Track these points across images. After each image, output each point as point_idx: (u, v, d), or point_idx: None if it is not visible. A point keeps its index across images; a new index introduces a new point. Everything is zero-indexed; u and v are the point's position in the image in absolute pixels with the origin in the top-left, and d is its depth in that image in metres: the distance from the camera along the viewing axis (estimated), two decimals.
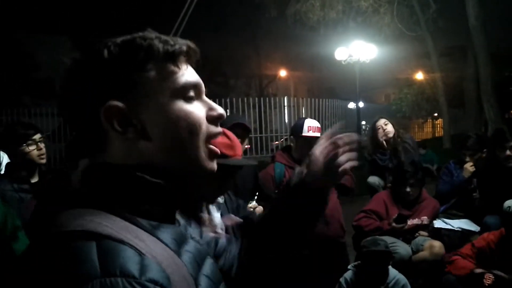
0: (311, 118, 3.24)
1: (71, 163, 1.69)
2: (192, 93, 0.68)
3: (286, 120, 12.83)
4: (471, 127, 14.85)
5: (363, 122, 14.67)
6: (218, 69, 21.20)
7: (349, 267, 2.84)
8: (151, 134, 0.65)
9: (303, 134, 2.75)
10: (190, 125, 0.66)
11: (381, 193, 3.54)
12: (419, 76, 20.40)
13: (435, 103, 17.61)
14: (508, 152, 3.19)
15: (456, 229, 3.37)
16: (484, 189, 3.46)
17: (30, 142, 2.34)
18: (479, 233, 3.23)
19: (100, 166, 0.66)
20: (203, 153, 0.68)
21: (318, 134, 2.77)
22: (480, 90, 13.29)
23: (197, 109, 0.68)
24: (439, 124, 22.62)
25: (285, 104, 13.14)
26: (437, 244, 3.17)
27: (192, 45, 0.70)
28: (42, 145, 2.47)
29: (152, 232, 0.62)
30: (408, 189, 3.28)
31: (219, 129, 0.72)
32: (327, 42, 13.84)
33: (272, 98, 12.36)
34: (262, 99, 11.66)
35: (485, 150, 3.60)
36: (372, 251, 2.65)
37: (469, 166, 3.55)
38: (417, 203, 3.39)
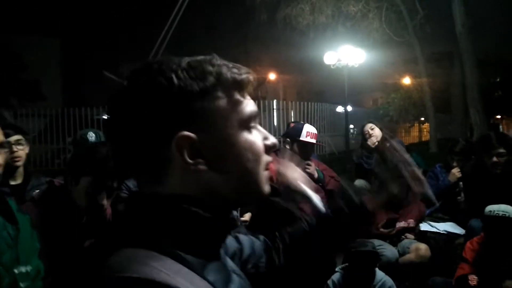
0: (300, 121, 3.27)
1: (72, 179, 1.69)
2: (253, 123, 0.67)
3: (275, 123, 12.85)
4: (457, 132, 15.07)
5: (351, 126, 14.76)
6: None
7: (336, 269, 2.86)
8: (219, 165, 0.62)
9: (301, 138, 2.77)
10: (254, 156, 0.65)
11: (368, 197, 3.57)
12: (407, 81, 20.63)
13: (422, 107, 17.81)
14: (495, 159, 3.24)
15: (441, 232, 3.42)
16: (470, 194, 3.51)
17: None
18: (464, 236, 3.28)
19: (162, 196, 0.61)
20: (264, 182, 0.67)
21: (314, 141, 2.80)
22: (466, 96, 13.50)
23: (258, 139, 0.67)
24: (425, 128, 22.87)
25: (274, 107, 13.16)
26: (423, 247, 3.21)
27: (253, 74, 0.68)
28: (19, 147, 2.43)
29: (202, 274, 0.59)
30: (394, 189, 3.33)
31: (271, 157, 0.71)
32: (317, 46, 13.91)
33: (261, 101, 12.35)
34: None
35: (473, 156, 3.66)
36: (360, 251, 2.68)
37: (456, 172, 3.60)
38: (403, 206, 3.44)
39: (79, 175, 1.69)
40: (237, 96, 0.65)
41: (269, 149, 0.69)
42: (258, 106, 12.62)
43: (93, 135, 2.86)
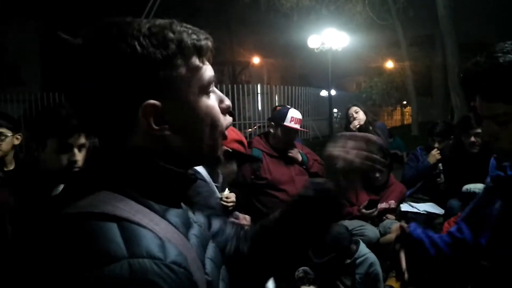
0: (284, 105, 3.29)
1: (38, 144, 1.65)
2: (211, 87, 0.70)
3: (260, 108, 12.85)
4: (438, 115, 15.31)
5: (335, 110, 14.86)
6: None
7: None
8: (181, 129, 0.66)
9: (285, 123, 2.79)
10: (213, 120, 0.69)
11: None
12: (389, 64, 20.78)
13: (404, 91, 18.02)
14: (473, 139, 3.31)
15: (421, 212, 3.50)
16: (449, 174, 3.60)
17: None
18: (444, 215, 3.38)
19: (126, 150, 0.64)
20: (219, 144, 0.72)
21: (298, 126, 2.82)
22: (447, 79, 13.69)
23: (215, 104, 0.70)
24: (407, 112, 23.17)
25: (259, 91, 13.14)
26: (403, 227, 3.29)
27: (211, 40, 0.70)
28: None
29: (163, 215, 0.63)
30: (377, 174, 3.41)
31: (230, 119, 0.74)
32: (300, 29, 13.86)
33: (245, 85, 12.29)
34: (235, 86, 11.54)
35: (452, 137, 3.74)
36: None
37: (435, 153, 3.67)
38: (385, 187, 3.52)
39: (44, 138, 1.64)
40: (197, 63, 0.66)
41: (224, 111, 0.72)
42: (242, 90, 12.51)
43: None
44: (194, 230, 0.71)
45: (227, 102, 0.73)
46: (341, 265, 2.77)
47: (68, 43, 0.63)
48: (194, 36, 0.66)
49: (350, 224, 3.23)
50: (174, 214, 0.66)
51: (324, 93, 15.67)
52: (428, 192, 3.74)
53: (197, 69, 0.67)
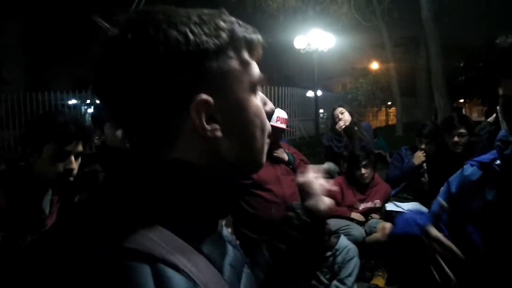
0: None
1: (34, 150, 1.62)
2: (259, 87, 0.61)
3: None
4: (422, 116, 15.54)
5: (321, 110, 14.95)
6: None
7: None
8: (230, 131, 0.57)
9: (271, 123, 2.78)
10: (262, 122, 0.61)
11: (337, 178, 3.68)
12: (374, 66, 21.02)
13: (389, 92, 18.23)
14: (456, 139, 3.37)
15: (406, 211, 3.54)
16: (433, 174, 3.65)
17: None
18: None
19: (166, 163, 0.55)
20: (265, 150, 0.64)
21: (284, 126, 2.83)
22: (431, 80, 13.90)
23: (261, 105, 0.62)
24: (392, 112, 23.46)
25: None
26: (388, 226, 3.33)
27: (261, 36, 0.62)
28: None
29: (200, 248, 0.55)
30: (362, 171, 3.46)
31: (269, 125, 0.65)
32: (287, 30, 13.92)
33: None
34: None
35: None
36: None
37: (420, 154, 3.72)
38: (370, 187, 3.56)
39: (40, 144, 1.59)
40: (248, 57, 0.59)
41: (268, 115, 0.64)
42: None
43: None
44: (229, 258, 0.62)
45: (271, 105, 0.64)
46: (321, 258, 2.80)
47: (104, 33, 0.54)
48: (245, 29, 0.59)
49: (336, 223, 3.26)
50: (210, 242, 0.58)
51: (310, 93, 15.76)
52: (412, 191, 3.79)
53: (248, 64, 0.59)
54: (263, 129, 0.61)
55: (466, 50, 21.59)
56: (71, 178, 1.65)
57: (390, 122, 23.03)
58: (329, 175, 3.96)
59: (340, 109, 4.05)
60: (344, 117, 4.00)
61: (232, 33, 0.56)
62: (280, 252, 0.86)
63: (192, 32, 0.53)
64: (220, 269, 0.57)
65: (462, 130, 3.36)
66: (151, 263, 0.47)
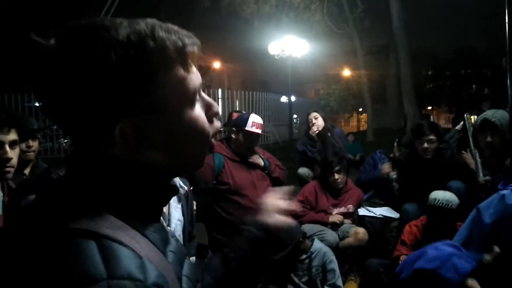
0: (245, 111, 3.29)
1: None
2: (198, 95, 0.63)
3: (220, 113, 12.82)
4: (392, 122, 15.95)
5: (295, 116, 15.08)
6: None
7: None
8: (160, 145, 0.60)
9: (246, 128, 2.77)
10: (198, 132, 0.63)
11: (311, 183, 3.71)
12: (346, 72, 21.40)
13: (360, 98, 18.60)
14: (426, 145, 3.46)
15: (378, 216, 3.61)
16: (404, 180, 3.74)
17: None
18: (399, 219, 3.50)
19: (104, 159, 0.59)
20: (203, 155, 0.67)
21: (259, 131, 2.82)
22: (400, 88, 14.28)
23: (201, 113, 0.64)
24: (363, 118, 23.92)
25: (219, 96, 13.10)
26: (361, 231, 3.38)
27: (199, 42, 0.63)
28: None
29: (143, 232, 0.60)
30: (336, 176, 3.50)
31: (218, 125, 0.68)
32: (261, 35, 14.00)
33: (205, 90, 12.22)
34: None
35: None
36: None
37: (386, 167, 3.80)
38: (343, 192, 3.61)
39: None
40: (181, 73, 0.59)
41: (211, 118, 0.66)
42: None
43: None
44: (172, 246, 0.68)
45: (215, 108, 0.66)
46: (297, 261, 2.81)
47: (40, 46, 0.55)
48: (179, 43, 0.59)
49: (311, 229, 3.28)
50: (153, 229, 0.62)
51: (284, 99, 15.88)
52: (383, 197, 3.87)
53: (181, 80, 0.59)
54: (198, 137, 0.63)
55: (434, 59, 22.33)
56: (9, 169, 1.59)
57: (361, 128, 23.46)
58: (302, 181, 4.01)
59: (314, 114, 4.10)
60: (318, 122, 4.05)
61: (162, 52, 0.57)
62: (231, 263, 0.89)
63: (117, 55, 0.54)
64: (163, 253, 0.62)
65: (432, 137, 3.46)
66: (97, 239, 0.52)
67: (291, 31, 12.56)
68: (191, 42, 0.61)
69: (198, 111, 0.63)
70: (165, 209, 1.60)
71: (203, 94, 0.65)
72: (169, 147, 0.61)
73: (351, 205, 3.61)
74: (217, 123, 0.68)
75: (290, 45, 11.90)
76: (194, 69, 0.63)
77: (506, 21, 2.19)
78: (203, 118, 0.64)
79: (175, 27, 0.60)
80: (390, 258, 3.04)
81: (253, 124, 2.80)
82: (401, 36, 13.20)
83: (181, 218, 1.72)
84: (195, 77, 0.62)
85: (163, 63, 0.57)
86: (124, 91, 0.55)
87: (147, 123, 0.57)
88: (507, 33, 2.20)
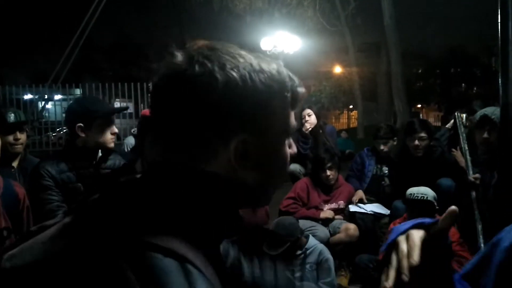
0: None
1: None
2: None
3: None
4: (382, 119, 16.04)
5: None
6: (140, 52, 20.39)
7: None
8: (259, 167, 0.64)
9: None
10: (284, 164, 0.69)
11: (303, 179, 3.73)
12: (338, 70, 21.48)
13: (351, 96, 18.71)
14: (416, 142, 3.50)
15: (368, 212, 3.64)
16: (395, 177, 3.77)
17: None
18: (389, 215, 3.53)
19: (208, 176, 0.60)
20: (278, 186, 0.72)
21: None
22: (391, 85, 14.36)
23: (288, 148, 0.70)
24: (354, 115, 24.08)
25: None
26: (352, 227, 3.41)
27: (303, 87, 0.70)
28: None
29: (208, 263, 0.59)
30: (328, 173, 3.52)
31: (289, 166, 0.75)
32: (253, 31, 13.97)
33: None
34: None
35: (395, 138, 3.94)
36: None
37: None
38: (334, 188, 3.63)
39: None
40: (290, 108, 0.67)
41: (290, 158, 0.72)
42: None
43: (12, 114, 2.64)
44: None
45: (294, 149, 0.72)
46: (292, 257, 2.84)
47: (169, 62, 0.61)
48: (294, 82, 0.66)
49: (302, 224, 3.30)
50: (212, 255, 0.62)
51: None
52: (373, 193, 3.90)
53: (289, 114, 0.67)
54: (283, 168, 0.69)
55: (424, 57, 22.52)
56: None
57: (351, 125, 23.60)
58: (294, 177, 4.02)
59: (308, 111, 4.11)
60: (311, 120, 4.06)
61: (282, 85, 0.64)
62: None
63: (251, 78, 0.60)
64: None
65: (423, 134, 3.50)
66: (180, 261, 0.51)
67: (283, 27, 12.55)
68: (301, 85, 0.68)
69: (287, 145, 0.69)
70: None
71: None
72: (263, 171, 0.65)
73: (342, 201, 3.63)
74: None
75: (282, 41, 11.88)
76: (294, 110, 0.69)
77: (499, 21, 2.22)
78: (288, 153, 0.69)
79: (290, 72, 0.67)
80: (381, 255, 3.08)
81: None
82: (392, 34, 13.26)
83: None
84: (293, 117, 0.69)
85: (280, 94, 0.64)
86: (245, 111, 0.60)
87: (254, 143, 0.62)
88: (499, 33, 2.22)
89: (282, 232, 2.74)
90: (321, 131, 4.14)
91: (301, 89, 0.68)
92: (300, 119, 4.14)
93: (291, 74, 0.67)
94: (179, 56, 0.61)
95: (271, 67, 0.64)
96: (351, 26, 15.63)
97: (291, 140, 0.71)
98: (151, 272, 0.48)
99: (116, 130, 2.17)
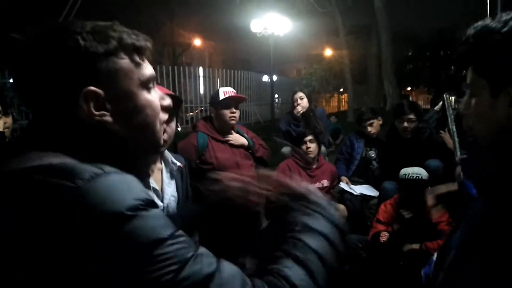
0: None
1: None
2: (151, 84, 0.77)
3: (202, 91, 12.67)
4: (372, 102, 16.11)
5: (276, 95, 15.07)
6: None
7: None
8: (121, 118, 0.72)
9: (220, 99, 2.76)
10: (152, 112, 0.76)
11: (284, 162, 3.68)
12: (328, 52, 21.40)
13: (342, 79, 18.69)
14: (405, 124, 3.53)
15: (357, 194, 3.70)
16: (384, 158, 3.82)
17: None
18: (378, 197, 3.59)
19: (75, 122, 0.70)
20: (160, 134, 0.79)
21: (233, 94, 2.82)
22: (381, 68, 14.40)
23: (156, 99, 0.78)
24: (344, 98, 24.10)
25: (200, 74, 12.93)
26: (340, 208, 3.46)
27: (151, 42, 0.77)
28: None
29: None
30: (308, 145, 3.50)
31: (165, 116, 0.81)
32: (243, 13, 13.81)
33: (186, 68, 12.00)
34: (175, 68, 11.23)
35: (379, 117, 3.98)
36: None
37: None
38: (316, 168, 3.62)
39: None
40: (137, 59, 0.74)
41: (165, 109, 0.80)
42: (183, 72, 12.09)
43: None
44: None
45: (168, 101, 0.80)
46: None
47: (18, 41, 0.69)
48: (134, 36, 0.74)
49: None
50: None
51: (265, 78, 15.83)
52: (362, 176, 3.94)
53: (137, 64, 0.74)
54: (154, 117, 0.77)
55: (414, 40, 22.51)
56: None
57: (342, 108, 23.66)
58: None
59: (300, 94, 4.10)
60: (303, 103, 4.06)
61: (120, 40, 0.72)
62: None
63: (83, 39, 0.69)
64: None
65: (412, 116, 3.53)
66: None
67: (274, 9, 12.40)
68: (145, 39, 0.76)
69: (153, 96, 0.77)
70: (157, 185, 1.60)
71: (157, 88, 0.79)
72: (127, 121, 0.73)
73: (325, 180, 3.64)
74: (165, 115, 0.81)
75: (273, 23, 11.77)
76: (146, 62, 0.77)
77: (487, 3, 2.23)
78: (158, 103, 0.78)
79: (131, 29, 0.76)
80: (370, 235, 3.14)
81: (225, 93, 2.80)
82: (383, 16, 13.23)
83: (175, 194, 1.71)
84: (149, 68, 0.77)
85: (121, 47, 0.72)
86: (88, 67, 0.69)
87: (108, 96, 0.70)
88: (488, 16, 2.23)
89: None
90: (312, 114, 4.15)
91: (144, 43, 0.75)
92: (292, 102, 4.15)
93: (129, 30, 0.75)
94: (29, 33, 0.70)
95: (105, 27, 0.72)
96: (342, 8, 15.51)
97: (162, 94, 0.80)
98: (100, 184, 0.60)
99: None
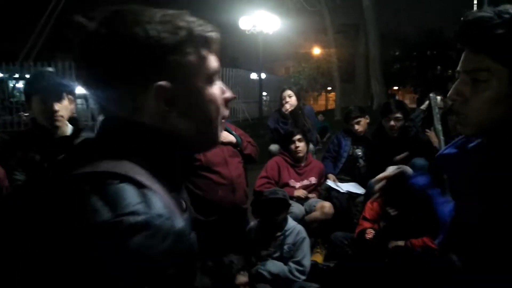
0: None
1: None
2: (216, 77, 0.74)
3: None
4: (359, 101, 16.22)
5: (264, 93, 15.07)
6: None
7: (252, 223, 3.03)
8: (187, 113, 0.69)
9: None
10: (217, 108, 0.73)
11: (273, 158, 3.72)
12: (317, 51, 21.46)
13: (330, 77, 18.76)
14: (392, 123, 3.57)
15: (344, 191, 3.72)
16: (370, 156, 3.85)
17: None
18: (365, 195, 3.62)
19: (136, 126, 0.67)
20: (220, 130, 0.76)
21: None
22: (369, 67, 14.50)
23: (219, 93, 0.74)
24: (331, 97, 24.22)
25: None
26: (327, 205, 3.48)
27: (218, 33, 0.74)
28: None
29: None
30: (297, 144, 3.54)
31: (227, 112, 0.78)
32: (232, 10, 13.75)
33: None
34: None
35: (366, 116, 4.02)
36: (270, 198, 2.86)
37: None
38: (304, 166, 3.66)
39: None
40: (204, 52, 0.70)
41: (226, 102, 0.76)
42: None
43: None
44: (185, 215, 0.72)
45: (229, 94, 0.77)
46: (272, 238, 2.89)
47: (84, 27, 0.65)
48: (203, 27, 0.70)
49: None
50: (172, 196, 0.68)
51: (254, 76, 15.81)
52: (349, 173, 3.97)
53: (205, 58, 0.71)
54: (217, 112, 0.73)
55: (401, 39, 22.71)
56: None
57: (329, 107, 23.77)
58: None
59: (288, 92, 4.11)
60: (291, 101, 4.07)
61: (190, 31, 0.68)
62: None
63: (153, 29, 0.65)
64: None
65: (398, 115, 3.57)
66: (135, 185, 0.58)
67: (263, 7, 12.40)
68: (213, 29, 0.72)
69: (217, 90, 0.74)
70: None
71: (219, 81, 0.75)
72: (193, 116, 0.70)
73: (313, 177, 3.67)
74: (227, 110, 0.77)
75: (262, 21, 11.77)
76: (213, 54, 0.73)
77: (474, 3, 2.26)
78: (220, 98, 0.74)
79: (199, 19, 0.71)
80: (356, 232, 3.16)
81: None
82: (371, 15, 13.33)
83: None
84: (215, 60, 0.73)
85: (190, 40, 0.68)
86: (157, 59, 0.65)
87: (176, 90, 0.67)
88: None
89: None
90: (300, 112, 4.16)
91: (213, 33, 0.72)
92: (280, 100, 4.15)
93: (199, 20, 0.71)
94: (90, 24, 0.65)
95: (175, 16, 0.68)
96: (331, 7, 15.57)
97: (224, 87, 0.76)
98: (110, 191, 0.56)
99: (56, 108, 1.90)
